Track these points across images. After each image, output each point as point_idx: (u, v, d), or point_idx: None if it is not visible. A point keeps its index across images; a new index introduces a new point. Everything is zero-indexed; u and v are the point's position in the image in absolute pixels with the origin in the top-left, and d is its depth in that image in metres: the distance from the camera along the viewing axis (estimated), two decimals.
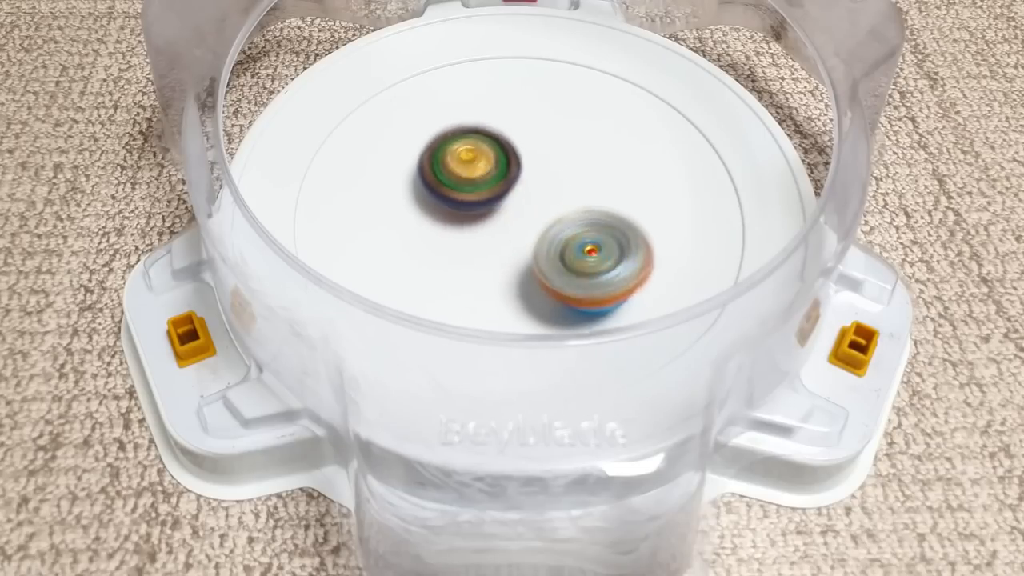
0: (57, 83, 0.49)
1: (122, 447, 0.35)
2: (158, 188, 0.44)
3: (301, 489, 0.34)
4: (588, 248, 0.35)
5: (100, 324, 0.39)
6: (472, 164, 0.38)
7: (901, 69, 0.50)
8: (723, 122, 0.42)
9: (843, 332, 0.37)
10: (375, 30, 0.47)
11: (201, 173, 0.35)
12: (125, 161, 0.45)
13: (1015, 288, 0.41)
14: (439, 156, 0.38)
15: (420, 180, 0.38)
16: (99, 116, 0.47)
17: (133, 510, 0.34)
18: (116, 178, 0.44)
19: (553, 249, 0.35)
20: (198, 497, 0.34)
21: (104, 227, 0.42)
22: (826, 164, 0.45)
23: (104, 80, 0.49)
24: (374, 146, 0.41)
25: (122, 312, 0.39)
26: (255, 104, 0.48)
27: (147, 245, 0.42)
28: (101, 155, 0.45)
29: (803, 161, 0.44)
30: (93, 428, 0.36)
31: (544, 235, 0.35)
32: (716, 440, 0.33)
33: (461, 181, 0.38)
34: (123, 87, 0.48)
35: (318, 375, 0.31)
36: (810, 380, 0.35)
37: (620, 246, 0.35)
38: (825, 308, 0.36)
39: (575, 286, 0.34)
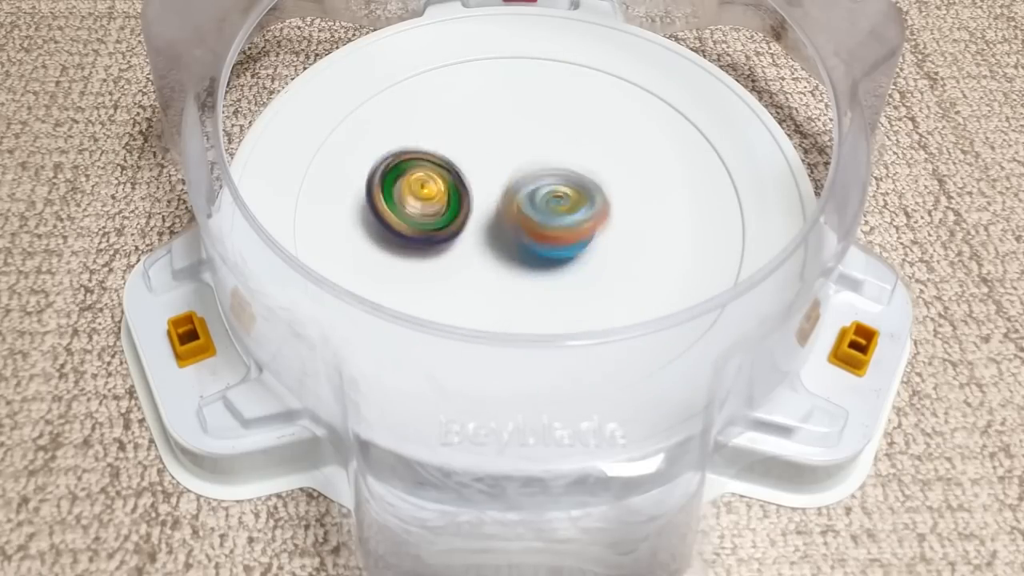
0: (57, 83, 0.49)
1: (122, 447, 0.35)
2: (158, 188, 0.44)
3: (301, 489, 0.34)
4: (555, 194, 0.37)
5: (100, 324, 0.39)
6: (428, 201, 0.37)
7: (901, 69, 0.50)
8: (723, 122, 0.42)
9: (843, 332, 0.37)
10: (375, 30, 0.47)
11: (201, 173, 0.35)
12: (125, 161, 0.45)
13: (1015, 288, 0.41)
14: (390, 185, 0.37)
15: (369, 207, 0.37)
16: (99, 116, 0.47)
17: (133, 510, 0.34)
18: (116, 178, 0.44)
19: (524, 194, 0.36)
20: (198, 497, 0.34)
21: (104, 227, 0.42)
22: (826, 164, 0.45)
23: (104, 80, 0.49)
24: (374, 146, 0.41)
25: (122, 312, 0.39)
26: (255, 104, 0.48)
27: (147, 245, 0.42)
28: (101, 155, 0.45)
29: (803, 161, 0.44)
30: (93, 428, 0.36)
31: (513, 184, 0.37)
32: (716, 440, 0.33)
33: (415, 217, 0.37)
34: (123, 87, 0.48)
35: (318, 375, 0.31)
36: (810, 380, 0.35)
37: (579, 194, 0.37)
38: (825, 308, 0.36)
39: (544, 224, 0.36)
